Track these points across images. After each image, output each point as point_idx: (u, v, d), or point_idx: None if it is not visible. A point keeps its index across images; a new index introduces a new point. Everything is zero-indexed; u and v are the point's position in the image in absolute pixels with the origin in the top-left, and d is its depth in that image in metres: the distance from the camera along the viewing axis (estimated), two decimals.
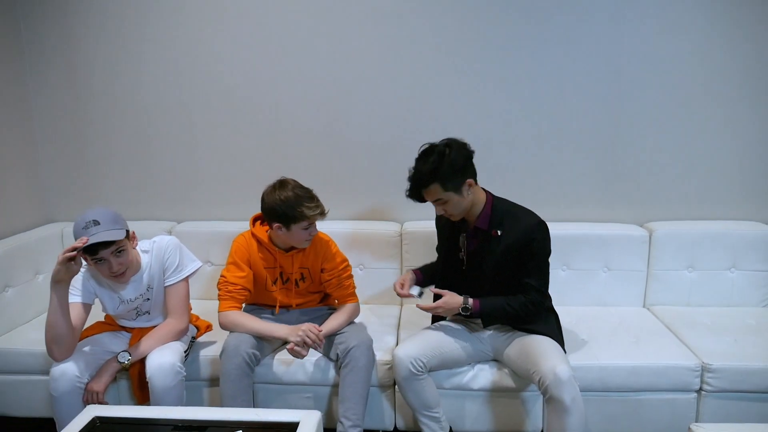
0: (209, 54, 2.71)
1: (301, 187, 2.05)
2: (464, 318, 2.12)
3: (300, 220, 2.00)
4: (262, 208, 2.07)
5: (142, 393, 2.00)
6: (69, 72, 2.80)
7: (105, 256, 1.84)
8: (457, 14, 2.58)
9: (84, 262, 1.95)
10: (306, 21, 2.64)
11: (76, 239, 1.82)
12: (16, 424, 2.39)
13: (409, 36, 2.61)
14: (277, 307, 2.22)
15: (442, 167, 1.88)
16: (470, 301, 1.98)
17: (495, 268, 2.00)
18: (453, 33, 2.59)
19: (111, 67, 2.77)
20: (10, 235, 2.68)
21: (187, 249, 2.14)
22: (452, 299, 1.98)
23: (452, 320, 2.19)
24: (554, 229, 2.46)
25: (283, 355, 2.16)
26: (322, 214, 2.02)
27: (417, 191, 1.94)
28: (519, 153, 2.68)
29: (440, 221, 2.20)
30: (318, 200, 2.04)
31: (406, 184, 2.68)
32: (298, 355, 2.05)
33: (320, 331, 2.05)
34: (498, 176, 2.65)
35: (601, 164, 2.67)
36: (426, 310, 2.01)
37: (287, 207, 1.99)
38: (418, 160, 1.94)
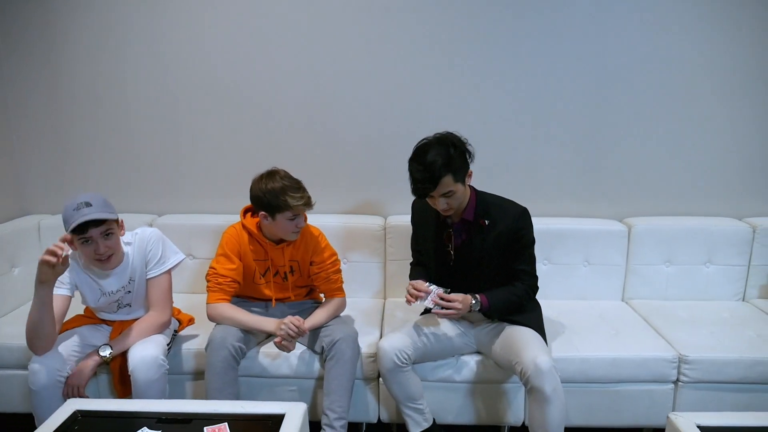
0: (195, 44, 2.68)
1: (290, 177, 2.05)
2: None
3: (284, 209, 2.00)
4: (250, 197, 2.07)
5: (123, 387, 1.98)
6: (46, 60, 2.74)
7: (94, 235, 1.84)
8: (442, 10, 2.59)
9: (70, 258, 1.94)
10: (295, 13, 2.63)
11: (66, 224, 1.80)
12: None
13: (397, 31, 2.61)
14: (273, 301, 2.22)
15: (454, 158, 1.88)
16: (478, 297, 1.99)
17: (484, 260, 2.02)
18: (438, 29, 2.60)
19: (91, 55, 2.72)
20: None
21: (170, 242, 2.12)
22: (462, 297, 1.97)
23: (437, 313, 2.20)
24: (536, 223, 2.48)
25: (268, 348, 2.16)
26: (308, 205, 2.02)
27: (433, 183, 1.86)
28: (501, 148, 2.71)
29: (419, 218, 2.18)
30: (304, 191, 2.03)
31: (390, 179, 2.71)
32: (284, 349, 2.05)
33: (302, 323, 2.05)
34: (480, 171, 2.65)
35: (582, 160, 2.71)
36: (444, 315, 1.95)
37: (272, 196, 1.99)
38: (427, 152, 1.87)
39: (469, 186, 2.05)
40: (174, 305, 2.34)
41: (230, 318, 2.07)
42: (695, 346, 2.17)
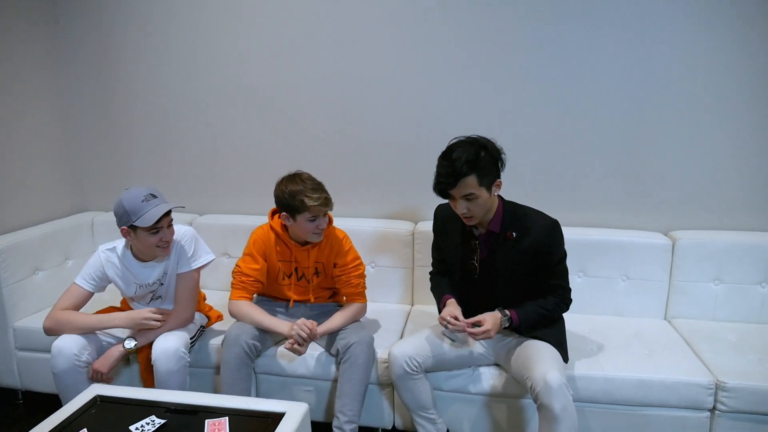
0: (230, 52, 2.81)
1: (312, 180, 2.11)
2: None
3: (302, 210, 2.05)
4: (274, 198, 2.15)
5: (148, 376, 2.11)
6: (101, 69, 2.97)
7: (163, 225, 2.01)
8: (477, 14, 2.57)
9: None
10: (325, 21, 2.70)
11: (132, 215, 1.95)
12: (41, 399, 2.57)
13: (427, 35, 2.62)
14: (291, 302, 2.28)
15: (483, 159, 1.84)
16: (508, 313, 1.96)
17: (510, 274, 1.99)
18: (472, 33, 2.59)
19: (138, 65, 2.93)
20: (46, 221, 2.87)
21: (203, 241, 2.24)
22: (491, 316, 1.93)
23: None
24: (573, 233, 2.46)
25: (284, 350, 2.22)
26: (325, 205, 2.06)
27: (454, 180, 1.83)
28: (539, 156, 2.64)
29: (441, 227, 2.16)
30: (323, 191, 2.08)
31: (421, 184, 2.70)
32: (295, 352, 2.10)
33: (314, 326, 2.09)
34: (514, 178, 2.63)
35: (624, 169, 2.60)
36: (477, 337, 1.91)
37: (290, 197, 2.06)
38: (455, 148, 1.85)
39: (498, 197, 2.00)
40: (206, 301, 2.48)
41: (247, 316, 2.15)
42: (736, 372, 2.02)
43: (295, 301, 2.29)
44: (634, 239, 2.50)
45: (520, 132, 2.63)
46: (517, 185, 2.55)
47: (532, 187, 2.65)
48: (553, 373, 1.77)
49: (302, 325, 2.08)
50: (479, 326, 1.91)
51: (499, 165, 1.91)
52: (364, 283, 2.28)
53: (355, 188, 2.81)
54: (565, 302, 2.02)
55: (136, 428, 1.63)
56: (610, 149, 2.59)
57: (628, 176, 2.60)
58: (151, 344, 2.10)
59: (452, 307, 2.00)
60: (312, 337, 2.09)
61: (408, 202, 2.79)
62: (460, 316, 1.94)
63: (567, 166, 2.64)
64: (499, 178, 1.92)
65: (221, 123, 2.91)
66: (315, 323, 2.11)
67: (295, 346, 2.08)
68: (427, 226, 2.63)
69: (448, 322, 1.92)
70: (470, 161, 1.82)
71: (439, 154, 1.93)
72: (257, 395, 2.26)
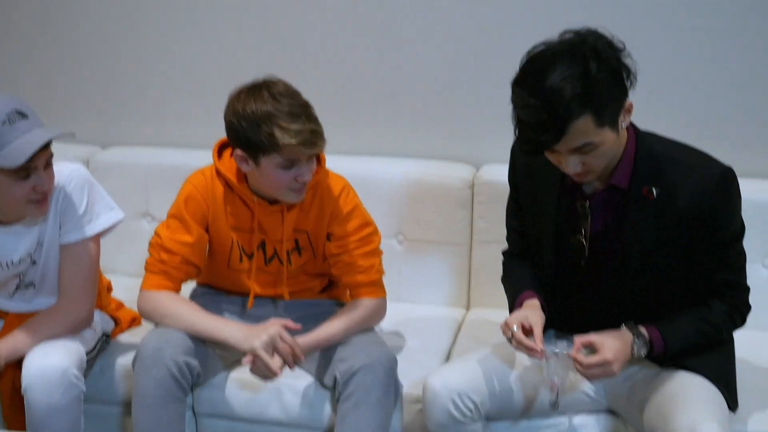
0: None
1: (291, 95, 2.11)
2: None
3: (270, 150, 2.06)
4: (225, 123, 2.17)
5: (15, 414, 2.17)
6: None
7: (38, 164, 2.02)
8: None
9: None
10: None
11: None
12: None
13: None
14: (251, 298, 2.32)
15: (599, 83, 1.78)
16: (643, 332, 1.96)
17: (646, 261, 1.99)
18: None
19: None
20: None
21: (103, 190, 2.27)
22: (615, 339, 1.92)
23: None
24: (748, 190, 2.42)
25: (244, 374, 2.25)
26: (311, 144, 2.06)
27: (556, 132, 1.77)
28: (693, 55, 2.64)
29: (526, 175, 2.14)
30: (309, 120, 2.08)
31: (487, 105, 2.71)
32: (262, 375, 2.14)
33: (291, 338, 2.11)
34: (651, 97, 2.57)
35: None
36: (589, 372, 1.91)
37: (250, 124, 2.06)
38: (547, 70, 1.78)
39: (629, 128, 1.98)
40: (113, 295, 2.54)
41: (172, 315, 2.19)
42: None
43: (257, 296, 2.32)
44: None
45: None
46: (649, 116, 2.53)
47: (670, 115, 2.64)
48: (707, 425, 1.78)
49: (277, 333, 2.11)
50: (591, 352, 1.91)
51: (624, 78, 1.86)
52: (379, 265, 2.30)
53: (369, 104, 2.85)
54: (740, 312, 2.03)
55: None
56: None
57: None
58: (19, 363, 2.14)
59: (529, 311, 2.00)
60: (296, 357, 2.12)
61: (466, 130, 2.82)
62: (538, 330, 1.94)
63: (748, 74, 2.61)
64: (627, 97, 1.89)
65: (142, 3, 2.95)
66: (290, 328, 2.13)
67: (258, 362, 2.10)
68: (499, 172, 2.60)
69: (513, 334, 1.93)
70: (581, 93, 1.75)
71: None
72: None
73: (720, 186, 1.93)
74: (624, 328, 1.96)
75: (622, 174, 1.97)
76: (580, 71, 1.76)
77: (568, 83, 1.75)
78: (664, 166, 1.96)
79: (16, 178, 2.00)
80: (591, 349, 1.91)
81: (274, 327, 2.13)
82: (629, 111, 1.90)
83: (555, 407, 1.99)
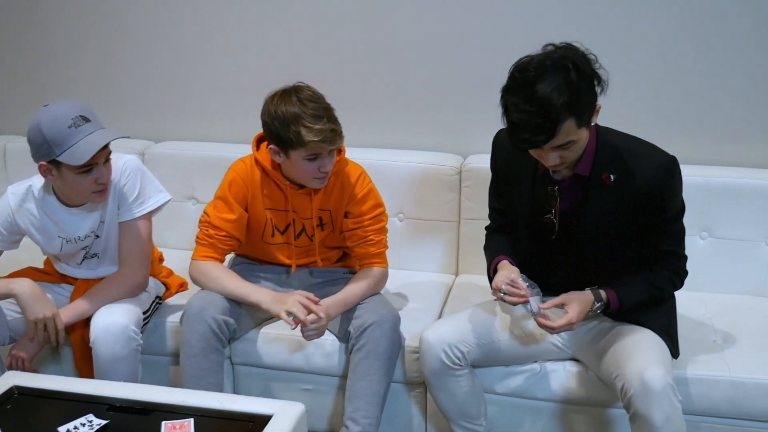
0: None
1: (315, 100, 2.10)
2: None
3: (297, 145, 2.07)
4: (261, 122, 2.17)
5: (86, 364, 2.19)
6: None
7: (99, 161, 2.03)
8: None
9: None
10: None
11: (54, 146, 1.95)
12: None
13: None
14: (294, 267, 2.34)
15: (580, 90, 1.78)
16: (602, 294, 1.97)
17: (603, 235, 1.99)
18: None
19: None
20: None
21: (152, 176, 2.28)
22: (579, 300, 1.95)
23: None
24: (691, 175, 2.41)
25: (274, 329, 2.29)
26: (332, 141, 2.07)
27: (547, 133, 1.77)
28: (636, 64, 2.61)
29: (505, 163, 2.13)
30: (330, 119, 2.08)
31: (475, 102, 2.69)
32: (308, 337, 2.13)
33: (315, 304, 2.11)
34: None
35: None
36: (555, 330, 1.93)
37: (282, 124, 2.06)
38: (537, 81, 1.76)
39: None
40: (164, 264, 2.55)
41: (214, 281, 2.21)
42: None
43: (287, 264, 2.34)
44: None
45: (609, 26, 2.59)
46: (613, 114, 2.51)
47: (623, 110, 2.60)
48: (654, 369, 1.78)
49: (299, 297, 2.10)
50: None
51: (596, 85, 1.86)
52: (386, 241, 2.32)
53: (376, 106, 2.83)
54: (680, 276, 2.04)
55: (67, 430, 1.71)
56: (748, 61, 2.53)
57: None
58: (87, 321, 2.17)
59: (505, 271, 2.01)
60: (319, 322, 2.10)
61: (455, 126, 2.80)
62: (519, 280, 1.95)
63: (681, 73, 2.59)
64: (597, 101, 1.89)
65: (189, 11, 2.93)
66: (315, 300, 2.13)
67: (303, 328, 2.11)
68: (482, 161, 2.61)
69: (505, 293, 1.94)
70: (568, 101, 1.74)
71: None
72: (235, 392, 2.34)
73: (666, 172, 1.93)
74: (587, 291, 1.98)
75: (585, 164, 1.97)
76: (564, 81, 1.76)
77: (556, 93, 1.75)
78: (620, 156, 1.96)
79: (80, 172, 2.02)
80: (560, 307, 1.93)
81: (295, 295, 2.13)
82: (598, 112, 1.90)
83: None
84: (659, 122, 2.62)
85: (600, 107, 1.89)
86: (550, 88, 1.74)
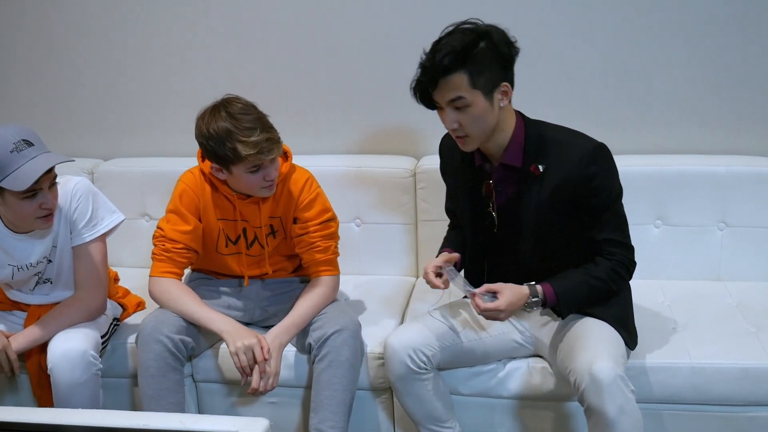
0: None
1: (245, 110, 2.08)
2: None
3: (236, 161, 2.06)
4: (198, 143, 2.17)
5: (44, 392, 2.17)
6: None
7: (44, 186, 1.99)
8: None
9: None
10: None
11: (2, 168, 1.92)
12: None
13: None
14: (246, 279, 2.33)
15: (477, 50, 1.87)
16: (539, 289, 1.98)
17: (539, 226, 2.02)
18: None
19: None
20: None
21: (104, 196, 2.26)
22: (512, 291, 1.95)
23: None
24: (644, 162, 2.46)
25: None
26: (269, 150, 2.05)
27: (433, 76, 1.87)
28: (580, 50, 2.65)
29: (447, 162, 2.20)
30: (264, 130, 2.05)
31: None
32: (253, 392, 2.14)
33: (267, 352, 2.12)
34: (543, 90, 2.64)
35: (718, 70, 2.61)
36: (484, 312, 1.95)
37: (216, 142, 2.05)
38: (445, 34, 1.91)
39: (518, 115, 2.03)
40: (120, 284, 2.52)
41: (174, 301, 2.20)
42: None
43: (249, 277, 2.34)
44: (734, 168, 2.53)
45: (547, 19, 2.63)
46: (540, 100, 2.52)
47: (567, 101, 2.67)
48: (602, 362, 1.80)
49: (255, 343, 2.11)
50: (493, 297, 1.95)
51: (507, 64, 1.92)
52: (335, 247, 2.31)
53: (326, 111, 2.83)
54: (625, 267, 2.02)
55: None
56: (695, 43, 2.60)
57: (721, 80, 2.62)
58: (44, 347, 2.14)
59: (438, 259, 2.07)
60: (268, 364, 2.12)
61: (407, 128, 2.81)
62: (439, 260, 2.04)
63: (628, 63, 2.64)
64: (507, 82, 1.93)
65: (131, 26, 2.91)
66: (267, 346, 2.13)
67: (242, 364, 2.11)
68: (436, 162, 2.60)
69: (428, 276, 2.02)
70: (461, 52, 1.85)
71: None
72: (199, 411, 2.33)
73: (592, 158, 1.95)
74: (524, 285, 1.98)
75: (514, 154, 2.00)
76: (469, 40, 1.87)
77: (455, 44, 1.86)
78: (548, 146, 1.99)
79: (24, 197, 1.98)
80: (493, 294, 1.95)
81: (254, 339, 2.12)
82: (506, 93, 1.95)
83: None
84: (607, 114, 2.65)
85: (509, 89, 1.94)
86: (453, 41, 1.86)
